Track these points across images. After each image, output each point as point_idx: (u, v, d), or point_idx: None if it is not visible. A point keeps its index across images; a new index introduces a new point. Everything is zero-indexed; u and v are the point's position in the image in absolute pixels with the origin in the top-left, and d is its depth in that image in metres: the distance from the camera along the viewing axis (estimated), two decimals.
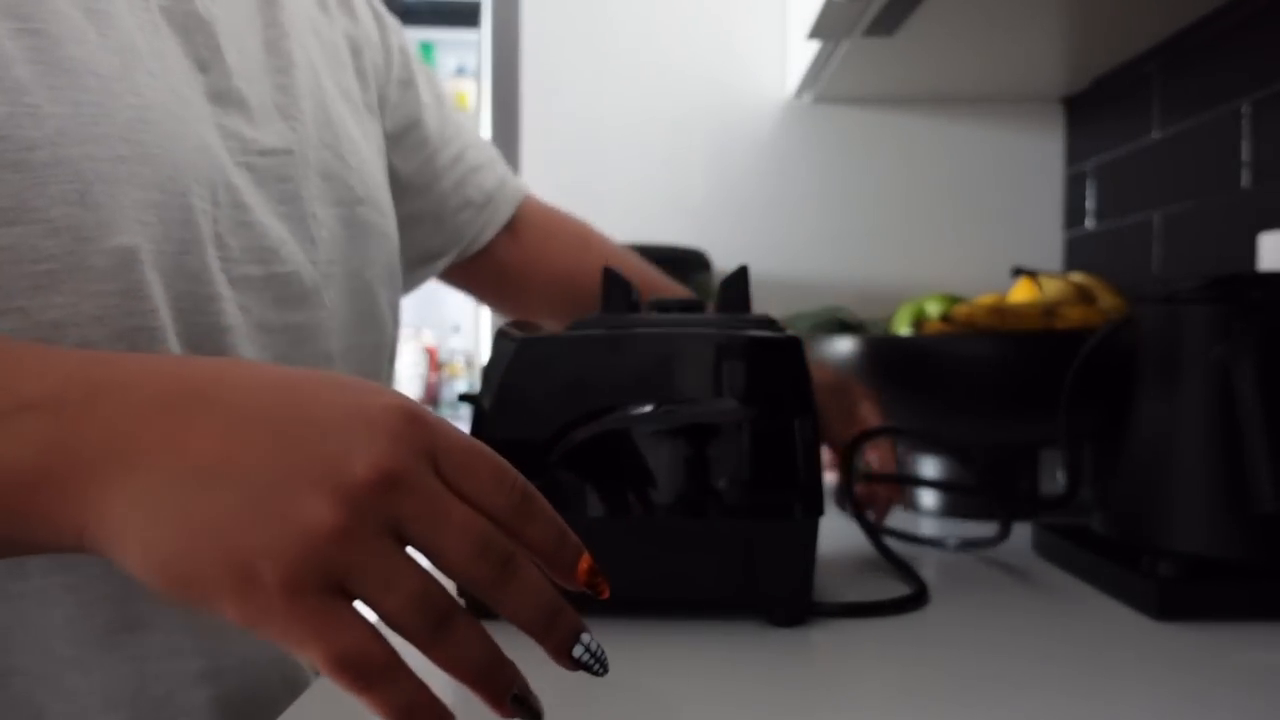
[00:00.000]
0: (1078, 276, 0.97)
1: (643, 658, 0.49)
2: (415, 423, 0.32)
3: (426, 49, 2.77)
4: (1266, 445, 0.56)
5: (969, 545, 0.72)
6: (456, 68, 2.75)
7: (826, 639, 0.53)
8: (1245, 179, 0.92)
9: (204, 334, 0.48)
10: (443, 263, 0.80)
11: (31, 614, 0.44)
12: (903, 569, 0.64)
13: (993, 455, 0.84)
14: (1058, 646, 0.52)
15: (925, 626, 0.55)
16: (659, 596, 0.55)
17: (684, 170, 1.35)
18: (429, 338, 3.03)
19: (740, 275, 0.62)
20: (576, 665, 0.34)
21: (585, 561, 0.34)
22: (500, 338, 0.56)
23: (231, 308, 0.49)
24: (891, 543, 0.71)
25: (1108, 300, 0.92)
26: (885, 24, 0.98)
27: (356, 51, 0.67)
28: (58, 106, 0.41)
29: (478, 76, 1.69)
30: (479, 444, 0.33)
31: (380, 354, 0.65)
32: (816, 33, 1.05)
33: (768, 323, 0.58)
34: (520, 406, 0.54)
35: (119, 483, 0.30)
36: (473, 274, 0.84)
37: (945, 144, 1.34)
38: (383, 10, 0.74)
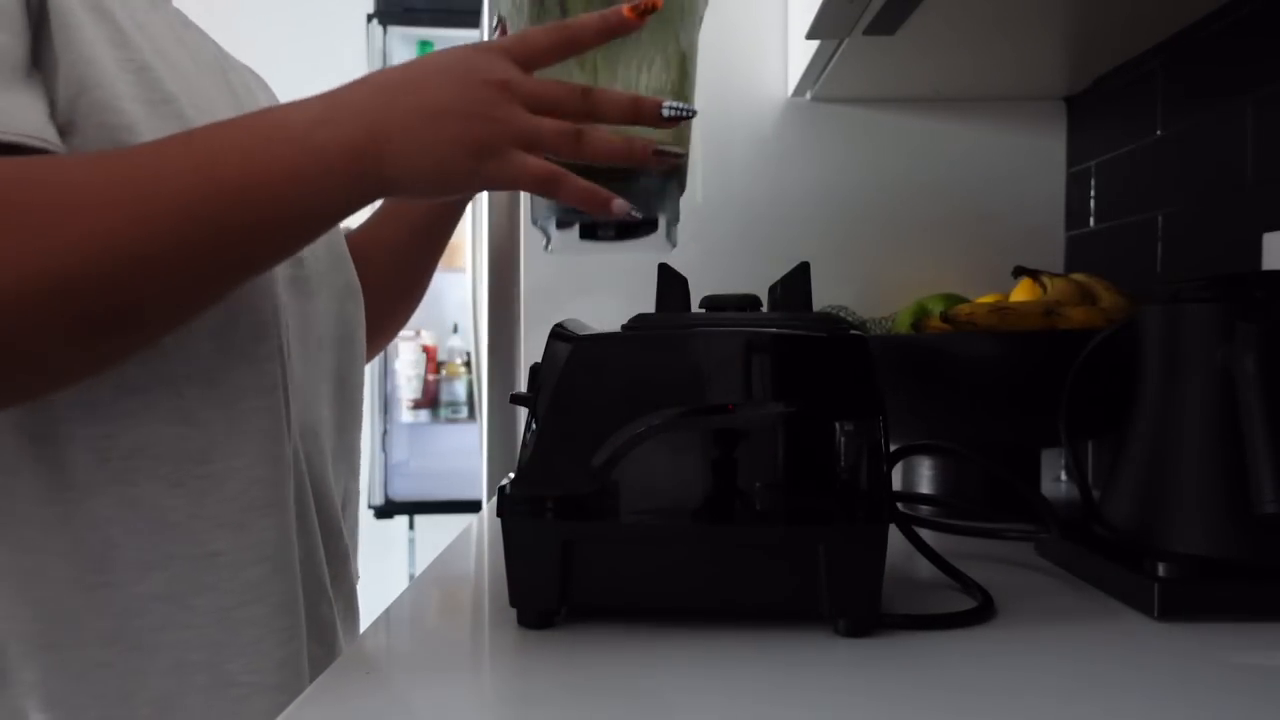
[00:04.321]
0: (1080, 276, 0.97)
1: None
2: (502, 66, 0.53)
3: (426, 48, 2.77)
4: (1268, 446, 0.55)
5: (1023, 535, 0.71)
6: None
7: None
8: (1249, 178, 0.91)
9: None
10: None
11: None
12: (960, 579, 0.62)
13: (1012, 456, 0.83)
14: (1057, 647, 0.52)
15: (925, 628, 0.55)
16: (722, 607, 0.53)
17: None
18: (428, 338, 3.02)
19: (801, 271, 0.59)
20: (671, 121, 0.53)
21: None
22: (555, 337, 0.55)
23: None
24: (926, 535, 0.68)
25: (1110, 300, 0.92)
26: (885, 23, 0.98)
27: None
28: None
29: None
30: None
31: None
32: (816, 32, 1.04)
33: (831, 320, 0.55)
34: (577, 407, 0.52)
35: (387, 142, 0.51)
36: None
37: (946, 143, 1.33)
38: None
